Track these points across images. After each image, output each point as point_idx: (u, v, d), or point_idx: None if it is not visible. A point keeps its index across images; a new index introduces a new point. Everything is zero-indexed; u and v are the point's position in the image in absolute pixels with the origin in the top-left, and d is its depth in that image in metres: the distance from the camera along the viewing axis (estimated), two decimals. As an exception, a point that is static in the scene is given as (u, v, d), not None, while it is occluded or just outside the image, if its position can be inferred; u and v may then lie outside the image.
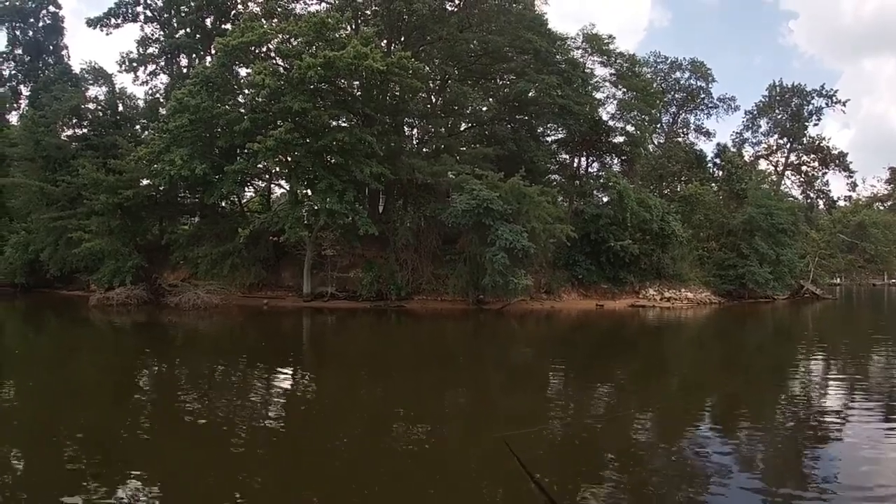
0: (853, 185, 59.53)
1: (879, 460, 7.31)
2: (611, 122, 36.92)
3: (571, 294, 31.06)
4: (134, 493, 6.18)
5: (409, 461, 7.42)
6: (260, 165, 27.97)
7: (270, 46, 28.10)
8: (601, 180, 34.22)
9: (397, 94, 29.45)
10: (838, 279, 60.17)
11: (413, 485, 6.57)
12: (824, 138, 57.35)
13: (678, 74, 50.50)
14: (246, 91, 28.26)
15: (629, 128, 36.68)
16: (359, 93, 28.56)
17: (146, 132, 32.06)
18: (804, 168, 58.40)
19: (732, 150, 47.92)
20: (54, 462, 7.01)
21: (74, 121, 34.24)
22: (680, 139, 48.94)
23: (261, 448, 7.91)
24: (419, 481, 6.69)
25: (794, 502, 6.08)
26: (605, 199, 32.84)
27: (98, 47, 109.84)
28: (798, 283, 40.76)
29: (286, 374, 13.62)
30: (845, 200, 59.08)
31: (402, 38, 31.40)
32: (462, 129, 33.80)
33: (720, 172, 41.90)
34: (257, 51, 28.18)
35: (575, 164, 38.44)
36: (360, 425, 9.16)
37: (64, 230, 28.60)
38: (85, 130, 33.98)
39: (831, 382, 13.05)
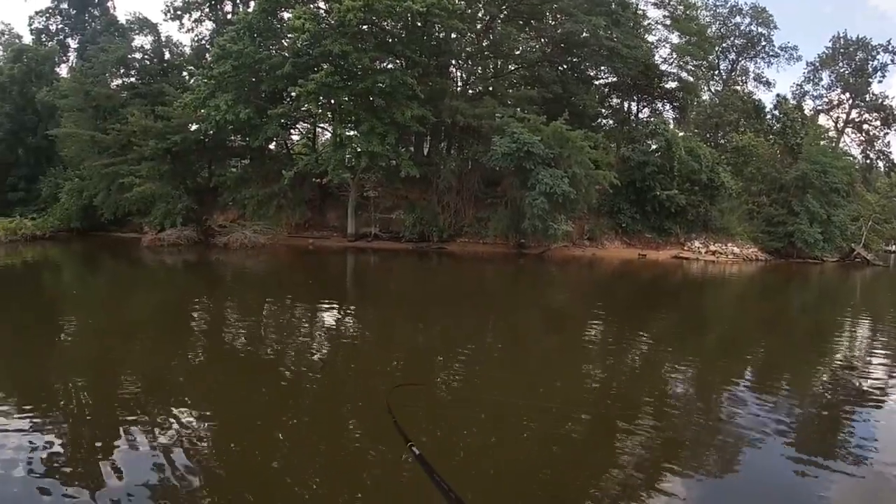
0: (917, 149, 56.40)
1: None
2: (663, 67, 35.61)
3: (615, 242, 30.61)
4: (185, 418, 6.32)
5: (444, 396, 7.59)
6: (303, 108, 28.14)
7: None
8: (650, 127, 33.18)
9: (441, 35, 29.00)
10: (894, 246, 57.45)
11: (445, 416, 6.79)
12: (888, 97, 54.42)
13: (738, 19, 47.93)
14: (289, 35, 28.27)
15: (683, 74, 35.33)
16: (403, 34, 28.20)
17: (193, 79, 32.50)
18: (865, 126, 55.21)
19: (792, 102, 45.81)
20: (110, 391, 7.21)
21: (122, 70, 34.93)
22: (738, 87, 46.79)
23: (306, 378, 8.11)
24: (450, 415, 6.87)
25: (829, 465, 5.79)
26: (653, 147, 31.83)
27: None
28: (849, 246, 39.06)
29: (331, 310, 13.76)
30: (907, 164, 56.02)
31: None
32: (508, 70, 33.08)
33: (778, 125, 40.23)
34: (301, -6, 28.08)
35: (626, 109, 37.39)
36: (398, 359, 9.30)
37: (116, 176, 29.36)
38: (133, 79, 34.66)
39: (875, 351, 12.11)
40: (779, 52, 49.38)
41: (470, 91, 31.04)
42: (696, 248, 31.95)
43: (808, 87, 54.79)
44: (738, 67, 49.61)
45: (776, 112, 40.67)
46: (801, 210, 34.87)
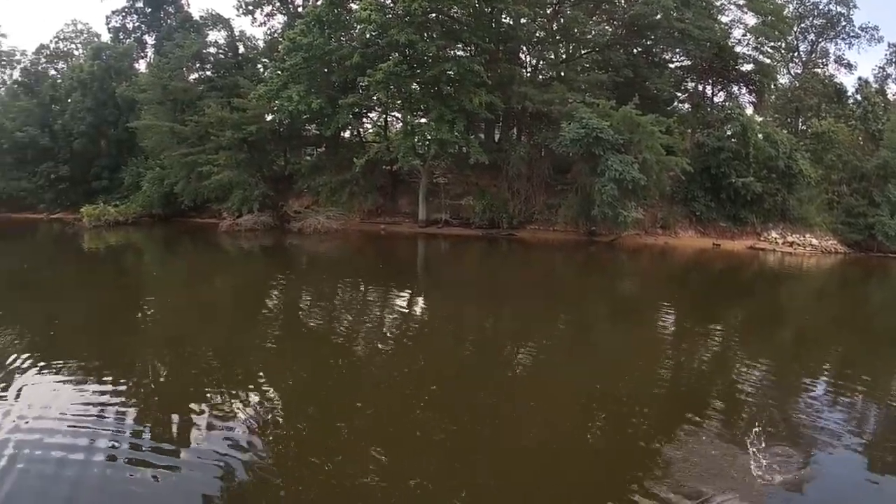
0: None
1: None
2: (738, 49, 34.20)
3: (688, 231, 29.67)
4: (256, 397, 6.70)
5: (511, 381, 7.87)
6: (374, 97, 28.61)
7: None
8: (725, 111, 32.03)
9: (509, 21, 28.94)
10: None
11: (512, 399, 7.09)
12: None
13: (816, -1, 45.47)
14: (357, 26, 28.78)
15: (759, 56, 33.87)
16: (472, 21, 28.23)
17: (266, 71, 33.53)
18: (952, 112, 51.92)
19: (875, 85, 43.25)
20: (187, 369, 7.67)
21: (198, 65, 36.32)
22: (819, 70, 44.38)
23: (375, 359, 8.46)
24: (518, 398, 7.13)
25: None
26: (728, 132, 30.73)
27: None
28: (934, 242, 36.74)
29: (402, 295, 14.10)
30: None
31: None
32: (578, 55, 32.54)
33: (859, 110, 38.19)
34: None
35: (700, 93, 36.10)
36: (467, 347, 9.55)
37: (195, 164, 30.67)
38: (208, 73, 35.99)
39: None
40: (859, 32, 46.48)
41: (540, 76, 30.81)
42: (772, 239, 30.70)
43: (890, 69, 51.43)
44: (818, 49, 46.77)
45: (857, 96, 38.64)
46: (883, 201, 32.93)
